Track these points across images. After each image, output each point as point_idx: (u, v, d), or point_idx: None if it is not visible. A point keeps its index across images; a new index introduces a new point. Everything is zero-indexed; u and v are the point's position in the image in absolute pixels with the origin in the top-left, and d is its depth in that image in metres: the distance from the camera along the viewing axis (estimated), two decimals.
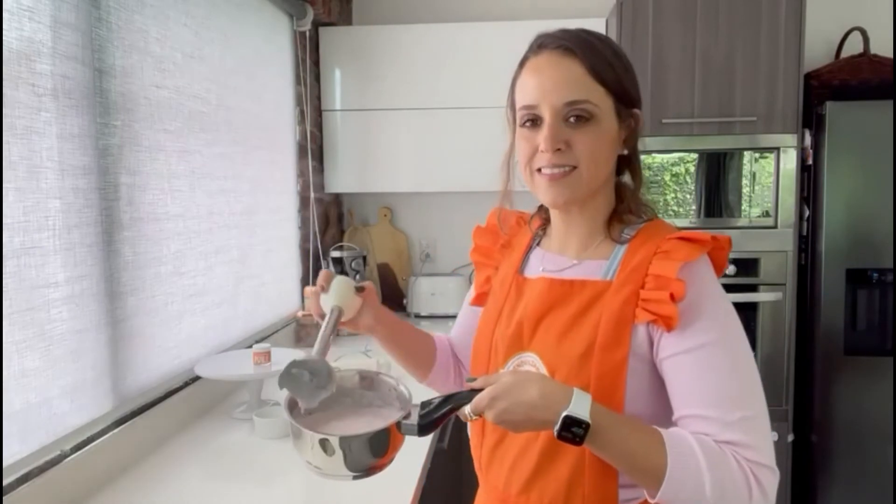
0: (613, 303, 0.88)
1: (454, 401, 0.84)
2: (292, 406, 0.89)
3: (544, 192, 0.93)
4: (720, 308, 0.87)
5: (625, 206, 0.97)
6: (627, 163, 0.98)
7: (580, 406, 0.78)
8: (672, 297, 0.83)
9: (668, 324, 0.83)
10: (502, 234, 1.09)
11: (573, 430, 0.78)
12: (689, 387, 0.84)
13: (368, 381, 0.97)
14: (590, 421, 0.77)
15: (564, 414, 0.78)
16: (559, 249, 1.00)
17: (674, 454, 0.79)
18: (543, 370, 0.91)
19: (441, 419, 0.84)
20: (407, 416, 0.84)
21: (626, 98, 0.92)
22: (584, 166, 0.90)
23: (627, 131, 0.94)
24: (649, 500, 0.83)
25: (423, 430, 0.84)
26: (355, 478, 0.86)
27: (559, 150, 0.89)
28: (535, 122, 0.92)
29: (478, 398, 0.82)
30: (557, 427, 0.78)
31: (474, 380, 0.85)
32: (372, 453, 0.84)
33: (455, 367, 1.17)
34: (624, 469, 0.83)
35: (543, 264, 1.00)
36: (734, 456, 0.80)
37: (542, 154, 0.90)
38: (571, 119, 0.89)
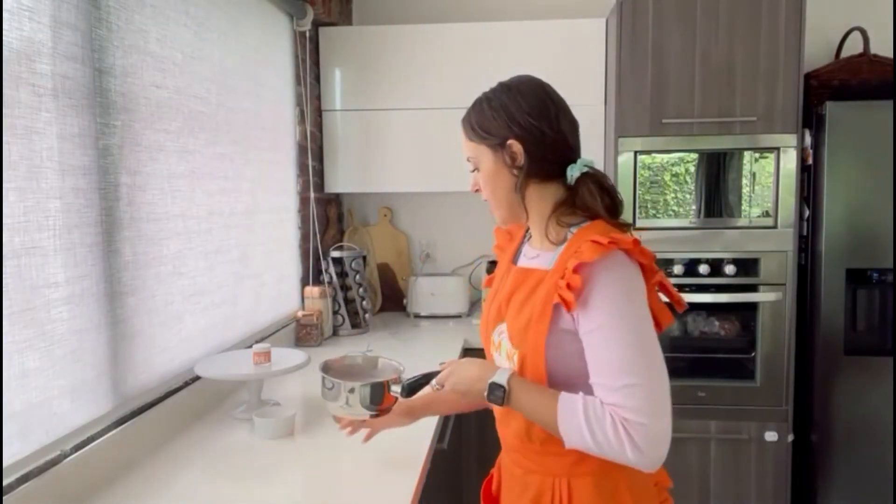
0: (546, 287, 1.14)
1: (428, 376, 1.23)
2: (326, 369, 1.33)
3: None
4: (610, 299, 1.06)
5: (552, 211, 1.20)
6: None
7: (500, 377, 1.11)
8: (569, 286, 1.06)
9: (568, 307, 1.08)
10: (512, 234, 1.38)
11: (495, 393, 1.11)
12: (591, 359, 1.08)
13: (373, 362, 1.42)
14: (506, 385, 1.10)
15: (490, 381, 1.11)
16: (532, 243, 1.28)
17: (561, 411, 1.06)
18: (506, 336, 1.20)
19: (419, 387, 1.25)
20: (396, 382, 1.26)
21: (492, 140, 1.19)
22: (488, 198, 1.24)
23: (510, 158, 1.18)
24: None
25: (408, 392, 1.25)
26: (371, 416, 1.29)
27: (477, 190, 1.26)
28: None
29: (441, 375, 1.20)
30: (486, 391, 1.11)
31: (443, 363, 1.21)
32: (374, 399, 1.27)
33: None
34: (534, 420, 1.12)
35: (525, 253, 1.28)
36: (612, 415, 1.02)
37: None
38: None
